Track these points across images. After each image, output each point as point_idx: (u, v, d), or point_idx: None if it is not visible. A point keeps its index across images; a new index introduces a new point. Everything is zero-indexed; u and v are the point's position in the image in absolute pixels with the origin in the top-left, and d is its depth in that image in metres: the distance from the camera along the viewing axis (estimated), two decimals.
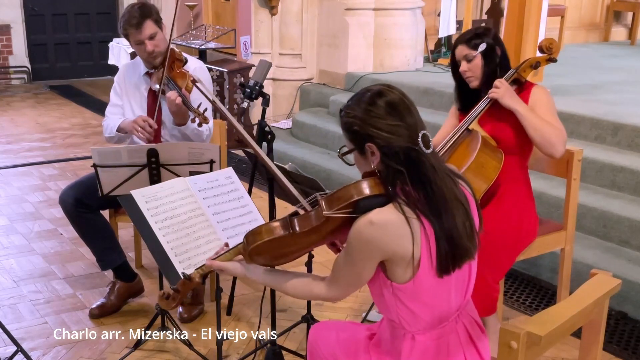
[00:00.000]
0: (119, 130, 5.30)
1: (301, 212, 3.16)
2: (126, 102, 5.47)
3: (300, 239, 3.07)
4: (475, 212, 3.04)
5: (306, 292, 3.20)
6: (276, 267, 3.31)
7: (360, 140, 2.89)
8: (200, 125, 4.92)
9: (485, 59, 4.61)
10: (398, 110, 2.85)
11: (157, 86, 5.13)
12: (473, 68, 4.63)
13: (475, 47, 4.60)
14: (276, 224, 3.09)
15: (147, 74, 5.37)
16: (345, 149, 3.02)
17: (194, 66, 5.37)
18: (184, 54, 5.28)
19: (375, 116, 2.84)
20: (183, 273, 3.29)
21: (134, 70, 5.48)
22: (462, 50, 4.66)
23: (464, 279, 3.03)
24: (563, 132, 4.53)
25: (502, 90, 4.51)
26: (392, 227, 2.80)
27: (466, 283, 3.06)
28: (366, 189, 2.90)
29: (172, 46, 5.26)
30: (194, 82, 5.04)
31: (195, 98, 5.08)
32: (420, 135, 2.85)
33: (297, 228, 3.04)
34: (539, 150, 4.55)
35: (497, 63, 4.65)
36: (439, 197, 2.85)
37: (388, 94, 2.89)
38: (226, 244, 3.40)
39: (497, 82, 4.54)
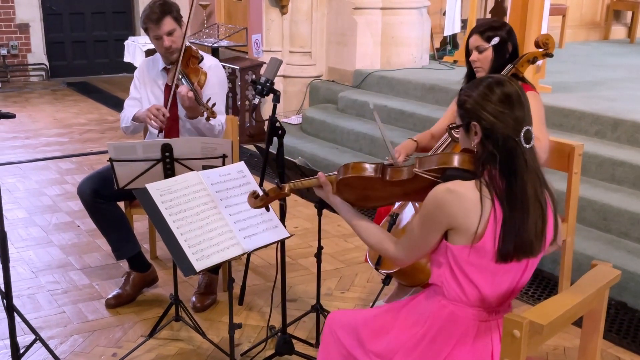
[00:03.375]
0: (134, 119, 5.33)
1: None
2: (144, 95, 5.49)
3: (385, 187, 3.24)
4: (551, 220, 3.06)
5: (377, 241, 3.31)
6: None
7: (468, 117, 3.00)
8: (208, 119, 4.94)
9: (495, 52, 4.61)
10: (511, 101, 2.95)
11: (172, 82, 5.15)
12: (482, 59, 4.64)
13: (489, 40, 4.60)
14: (371, 165, 3.26)
15: (165, 69, 5.41)
16: (454, 124, 3.14)
17: (210, 64, 5.37)
18: (200, 52, 5.32)
19: (488, 100, 2.95)
20: (277, 182, 3.48)
21: (153, 66, 5.52)
22: (475, 40, 4.67)
23: (517, 274, 3.05)
24: (545, 142, 4.56)
25: None
26: (464, 200, 2.90)
27: (518, 278, 3.08)
28: (457, 161, 3.03)
29: (188, 44, 5.28)
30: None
31: (206, 93, 5.08)
32: (524, 129, 2.94)
33: (387, 176, 3.20)
34: None
35: (506, 58, 4.66)
36: (521, 190, 2.92)
37: (507, 85, 2.99)
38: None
39: None
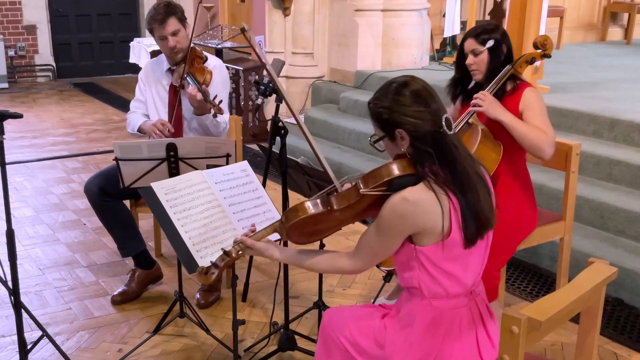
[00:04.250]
0: (139, 130, 5.37)
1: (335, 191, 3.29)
2: (149, 96, 5.51)
3: (336, 216, 3.18)
4: (491, 187, 3.14)
5: (331, 266, 3.29)
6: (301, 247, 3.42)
7: (390, 127, 3.01)
8: (215, 115, 4.97)
9: (491, 55, 4.60)
10: (422, 97, 2.98)
11: (177, 82, 5.17)
12: (479, 62, 4.62)
13: (483, 43, 4.59)
14: (315, 201, 3.20)
15: (170, 70, 5.41)
16: (375, 137, 3.12)
17: (214, 64, 5.39)
18: (205, 53, 5.34)
19: (403, 104, 2.97)
20: (223, 249, 3.35)
21: (157, 67, 5.53)
22: (470, 44, 4.65)
23: (481, 249, 3.10)
24: (551, 135, 4.50)
25: (486, 103, 4.48)
26: (424, 203, 2.91)
27: (483, 252, 3.13)
28: (399, 169, 3.01)
29: (193, 45, 5.30)
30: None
31: (212, 92, 5.10)
32: (443, 118, 2.97)
33: (335, 205, 3.14)
34: (529, 153, 4.55)
35: (502, 60, 4.65)
36: (464, 174, 2.97)
37: (412, 83, 3.02)
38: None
39: (480, 94, 4.52)
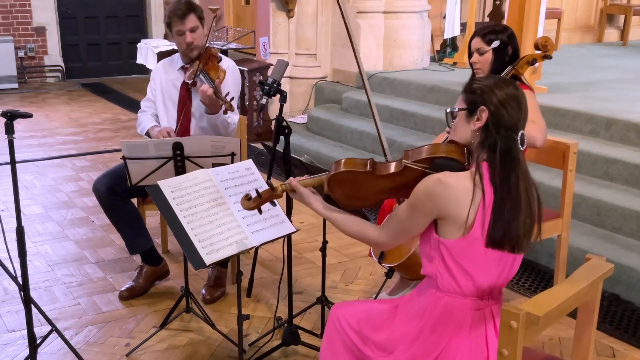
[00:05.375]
0: (147, 134, 5.35)
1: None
2: (159, 95, 5.48)
3: (375, 182, 3.21)
4: (539, 215, 3.07)
5: (359, 232, 3.31)
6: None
7: (477, 102, 2.99)
8: (225, 112, 4.96)
9: (495, 55, 4.61)
10: (519, 102, 2.99)
11: (190, 79, 5.16)
12: (482, 61, 4.63)
13: (489, 43, 4.60)
14: (359, 160, 3.24)
15: (183, 68, 5.39)
16: (456, 108, 3.10)
17: (227, 65, 5.37)
18: (220, 54, 5.33)
19: (501, 91, 2.97)
20: (269, 183, 3.49)
21: (170, 65, 5.51)
22: (477, 43, 4.66)
23: (505, 265, 3.05)
24: (542, 125, 4.57)
25: None
26: (456, 189, 2.91)
27: (507, 271, 3.08)
28: (445, 151, 3.03)
29: (210, 45, 5.31)
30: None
31: (224, 89, 5.08)
32: (520, 132, 2.97)
33: (377, 171, 3.18)
34: None
35: (506, 61, 4.65)
36: (514, 185, 2.93)
37: (518, 88, 3.03)
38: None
39: None
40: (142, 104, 5.61)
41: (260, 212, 3.53)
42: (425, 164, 3.04)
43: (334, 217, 3.36)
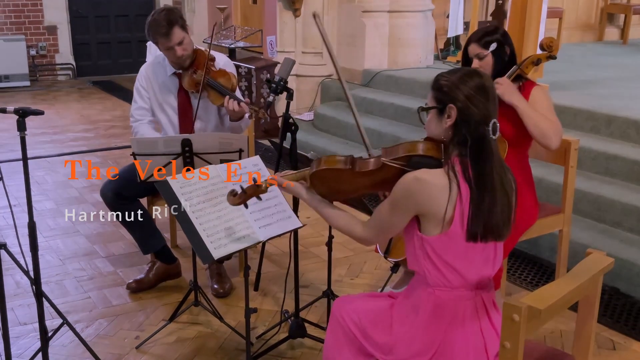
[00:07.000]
0: None
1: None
2: (155, 102, 5.38)
3: (354, 179, 3.21)
4: (515, 203, 3.10)
5: (346, 226, 3.30)
6: None
7: (445, 100, 3.00)
8: (251, 116, 4.95)
9: (495, 57, 4.59)
10: (486, 92, 2.97)
11: (193, 89, 5.10)
12: (484, 65, 4.60)
13: (487, 46, 4.57)
14: (340, 157, 3.25)
15: (175, 74, 5.28)
16: (426, 106, 3.11)
17: (223, 61, 5.32)
18: (211, 51, 5.15)
19: (467, 86, 2.97)
20: (254, 177, 3.43)
21: (158, 71, 5.37)
22: (474, 49, 4.63)
23: (488, 256, 3.06)
24: (559, 126, 4.51)
25: (504, 88, 4.48)
26: (433, 187, 2.90)
27: (491, 261, 3.09)
28: (422, 149, 3.03)
29: (197, 46, 5.20)
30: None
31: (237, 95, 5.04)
32: (492, 121, 2.95)
33: (357, 167, 3.18)
34: (537, 142, 4.53)
35: (506, 60, 4.64)
36: (489, 177, 2.94)
37: (484, 78, 3.02)
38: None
39: (499, 79, 4.51)
40: (135, 112, 5.45)
41: (246, 206, 3.52)
42: (402, 161, 3.06)
43: (322, 208, 3.38)
